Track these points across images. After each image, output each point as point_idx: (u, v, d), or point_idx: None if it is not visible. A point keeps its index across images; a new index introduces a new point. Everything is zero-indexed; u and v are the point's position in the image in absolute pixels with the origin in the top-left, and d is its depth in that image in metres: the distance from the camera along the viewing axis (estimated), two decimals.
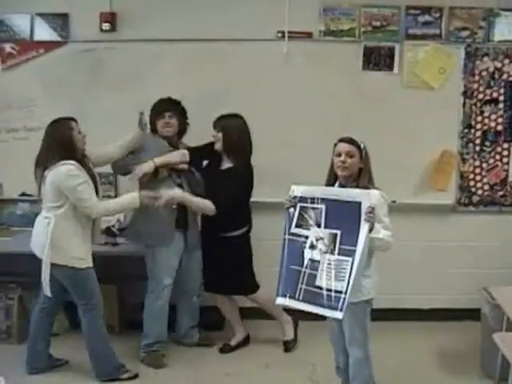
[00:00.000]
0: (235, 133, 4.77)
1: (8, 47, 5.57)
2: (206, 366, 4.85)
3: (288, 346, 5.12)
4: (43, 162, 4.29)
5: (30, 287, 5.24)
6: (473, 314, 4.96)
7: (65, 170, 4.20)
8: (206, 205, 4.64)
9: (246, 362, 4.91)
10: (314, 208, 3.56)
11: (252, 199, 4.94)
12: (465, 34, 5.38)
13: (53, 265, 4.27)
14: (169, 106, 4.87)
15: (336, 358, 4.10)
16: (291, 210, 3.64)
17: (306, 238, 3.56)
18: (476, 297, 4.77)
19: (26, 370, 4.58)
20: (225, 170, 4.83)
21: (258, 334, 5.31)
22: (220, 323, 5.37)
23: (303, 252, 3.55)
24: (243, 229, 4.88)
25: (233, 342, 5.14)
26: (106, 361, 4.49)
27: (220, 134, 4.77)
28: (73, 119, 4.39)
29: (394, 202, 5.15)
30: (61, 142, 4.27)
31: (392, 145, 5.28)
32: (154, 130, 4.90)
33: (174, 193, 4.59)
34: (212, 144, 4.86)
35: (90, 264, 4.36)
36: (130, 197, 4.43)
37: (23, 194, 5.63)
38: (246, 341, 5.20)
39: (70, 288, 4.39)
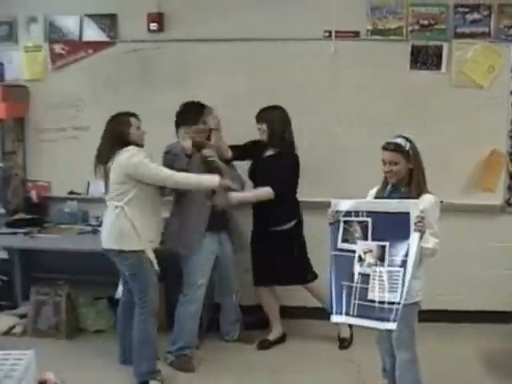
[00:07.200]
0: (279, 122, 4.86)
1: (58, 48, 5.67)
2: (250, 364, 4.87)
3: (344, 344, 5.14)
4: (103, 158, 4.37)
5: (78, 284, 5.33)
6: None
7: (127, 153, 4.29)
8: (263, 191, 4.79)
9: (292, 359, 4.92)
10: (359, 221, 3.55)
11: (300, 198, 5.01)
12: None
13: (118, 252, 4.34)
14: (203, 112, 4.80)
15: (382, 359, 4.09)
16: (335, 225, 3.63)
17: (354, 252, 3.54)
18: None
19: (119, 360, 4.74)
20: (269, 156, 4.93)
21: (301, 332, 5.34)
22: (264, 322, 5.33)
23: (352, 267, 3.53)
24: (293, 222, 4.94)
25: (271, 337, 5.18)
26: (143, 361, 4.48)
27: (264, 126, 4.86)
28: (133, 114, 4.45)
29: (441, 202, 5.11)
30: (117, 138, 4.35)
31: (440, 144, 5.21)
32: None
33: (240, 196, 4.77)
34: (252, 143, 5.00)
35: (156, 246, 4.47)
36: (211, 177, 4.45)
37: (71, 193, 5.73)
38: (282, 338, 5.23)
39: (131, 276, 4.42)
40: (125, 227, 4.29)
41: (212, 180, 4.43)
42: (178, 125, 4.83)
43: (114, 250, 4.36)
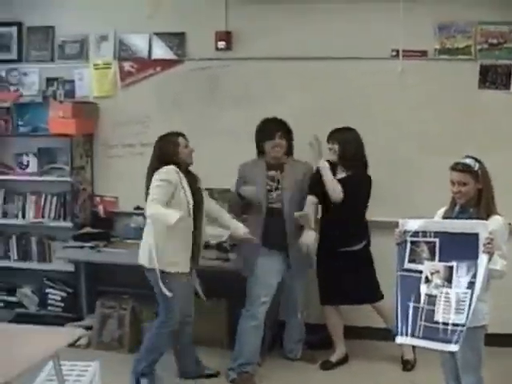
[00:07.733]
0: (351, 144, 4.85)
1: (127, 65, 5.81)
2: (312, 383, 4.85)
3: (407, 366, 5.04)
4: (150, 176, 4.43)
5: (142, 298, 5.39)
6: None
7: (160, 170, 4.36)
8: (338, 188, 4.76)
9: (355, 380, 4.89)
10: (426, 242, 3.49)
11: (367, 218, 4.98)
12: None
13: (146, 268, 4.44)
14: (279, 127, 4.86)
15: (446, 382, 4.00)
16: (402, 245, 3.57)
17: (420, 272, 3.48)
18: None
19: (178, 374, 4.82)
20: (341, 178, 4.87)
21: (365, 353, 5.27)
22: (327, 342, 5.27)
23: (419, 287, 3.47)
24: (363, 242, 4.92)
25: (333, 359, 5.12)
26: (142, 363, 4.56)
27: (336, 146, 4.84)
28: (180, 134, 4.53)
29: (509, 224, 5.01)
30: (165, 157, 4.43)
31: (508, 165, 5.09)
32: (261, 152, 4.94)
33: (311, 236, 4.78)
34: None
35: (182, 270, 4.44)
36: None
37: (137, 208, 5.76)
38: (345, 359, 5.16)
39: (156, 292, 4.47)
40: (149, 244, 4.37)
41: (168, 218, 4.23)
42: (257, 141, 4.91)
43: (141, 265, 4.47)
